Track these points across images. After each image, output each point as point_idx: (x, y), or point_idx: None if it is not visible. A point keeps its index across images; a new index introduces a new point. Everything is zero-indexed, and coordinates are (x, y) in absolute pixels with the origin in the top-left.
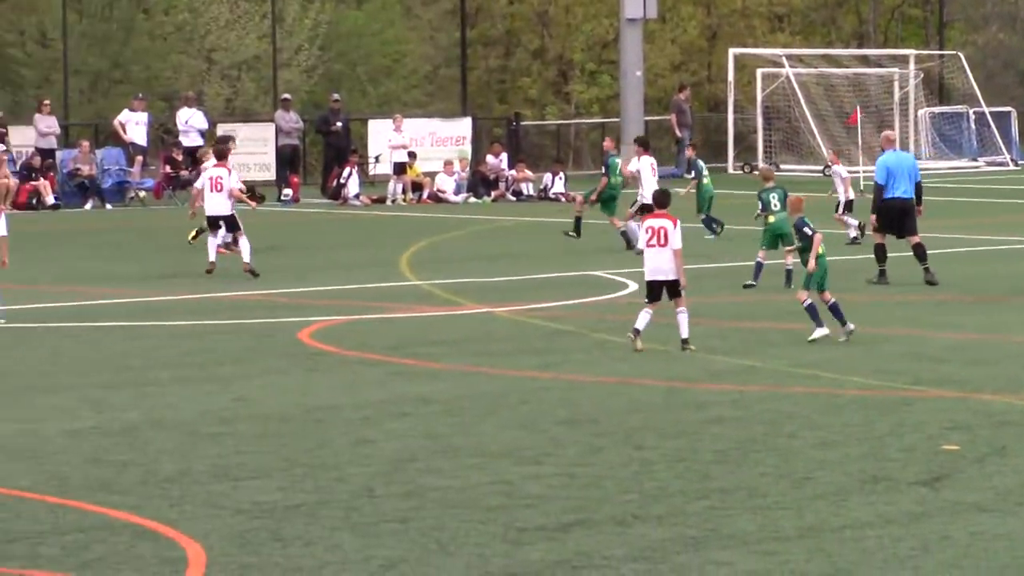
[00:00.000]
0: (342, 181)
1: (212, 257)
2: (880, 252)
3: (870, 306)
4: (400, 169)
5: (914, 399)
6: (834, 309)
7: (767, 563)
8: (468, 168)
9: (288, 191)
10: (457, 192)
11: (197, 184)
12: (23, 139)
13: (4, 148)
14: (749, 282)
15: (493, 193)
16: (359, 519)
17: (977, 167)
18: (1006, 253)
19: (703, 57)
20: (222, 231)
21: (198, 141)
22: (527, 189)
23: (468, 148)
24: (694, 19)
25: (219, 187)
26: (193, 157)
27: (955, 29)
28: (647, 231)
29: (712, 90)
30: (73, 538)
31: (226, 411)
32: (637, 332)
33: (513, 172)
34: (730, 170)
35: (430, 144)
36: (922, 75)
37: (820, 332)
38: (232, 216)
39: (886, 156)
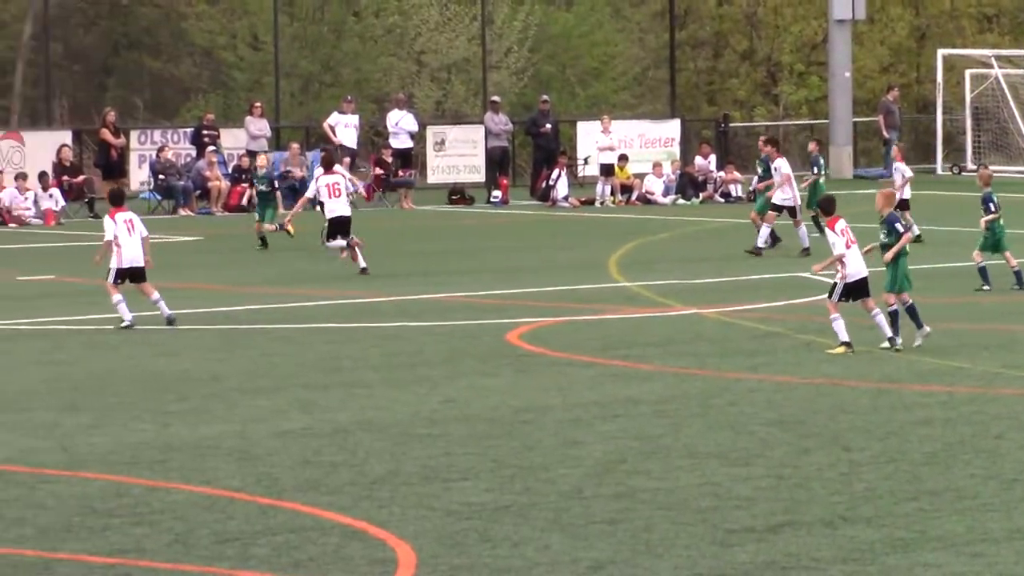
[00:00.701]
0: (551, 183)
1: (362, 263)
2: None
3: None
4: (608, 171)
5: None
6: (911, 311)
7: (975, 565)
8: (678, 170)
9: (497, 193)
10: (666, 194)
11: (308, 194)
12: (234, 142)
13: (215, 150)
14: (983, 287)
15: (701, 195)
16: (568, 520)
17: None
18: None
19: (912, 58)
20: (337, 241)
21: (408, 143)
22: (736, 190)
23: (677, 150)
24: (903, 20)
25: (337, 192)
26: (404, 159)
27: None
28: (841, 233)
29: (921, 91)
30: (284, 539)
31: (435, 412)
32: (849, 344)
33: (722, 173)
34: (939, 171)
35: (639, 146)
36: None
37: (924, 332)
38: (349, 219)
39: None
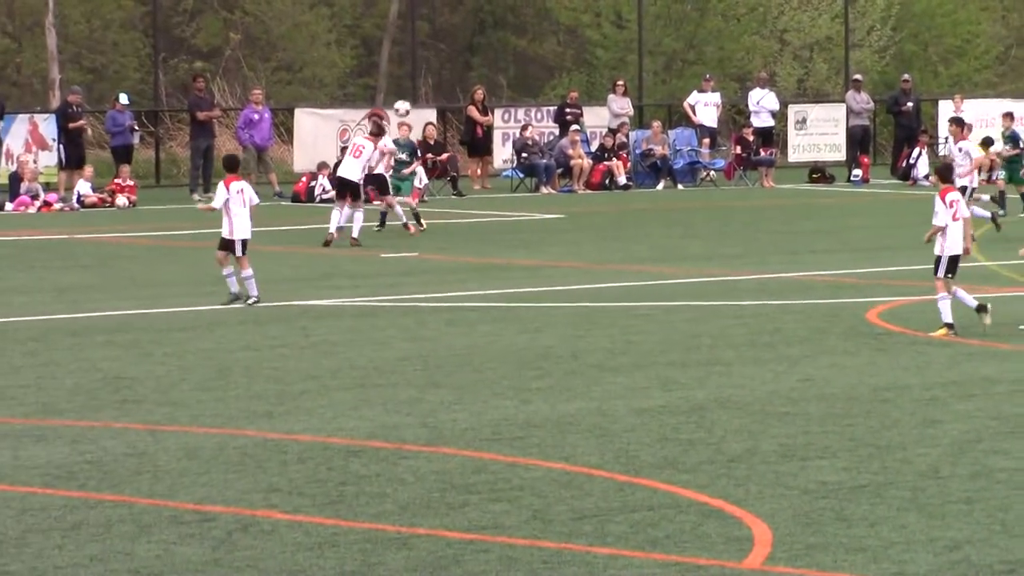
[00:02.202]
0: (911, 162)
1: (332, 228)
2: None
3: None
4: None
5: None
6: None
7: None
8: None
9: (858, 172)
10: None
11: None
12: (597, 120)
13: (578, 128)
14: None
15: None
16: (924, 500)
17: None
18: None
19: None
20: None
21: (769, 122)
22: None
23: None
24: None
25: (358, 154)
26: (765, 137)
27: None
28: (950, 205)
29: None
30: (641, 516)
31: (793, 391)
32: (951, 327)
33: None
34: None
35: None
36: None
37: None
38: (358, 185)
39: None
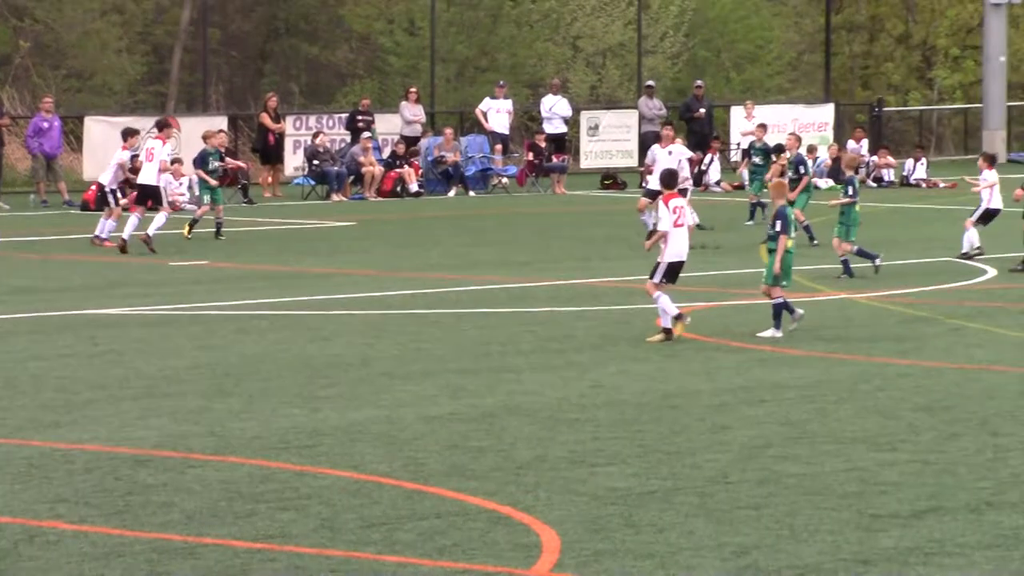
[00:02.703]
0: (703, 168)
1: (126, 234)
2: None
3: None
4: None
5: None
6: (777, 308)
7: None
8: (835, 154)
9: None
10: (820, 177)
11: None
12: (389, 127)
13: (370, 136)
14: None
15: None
16: (713, 505)
17: None
18: None
19: None
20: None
21: (562, 128)
22: (888, 175)
23: (830, 134)
24: None
25: (150, 157)
26: (557, 144)
27: None
28: (674, 211)
29: None
30: (429, 524)
31: (583, 398)
32: (671, 326)
33: (875, 158)
34: None
35: (792, 130)
36: None
37: (773, 333)
38: (158, 189)
39: None
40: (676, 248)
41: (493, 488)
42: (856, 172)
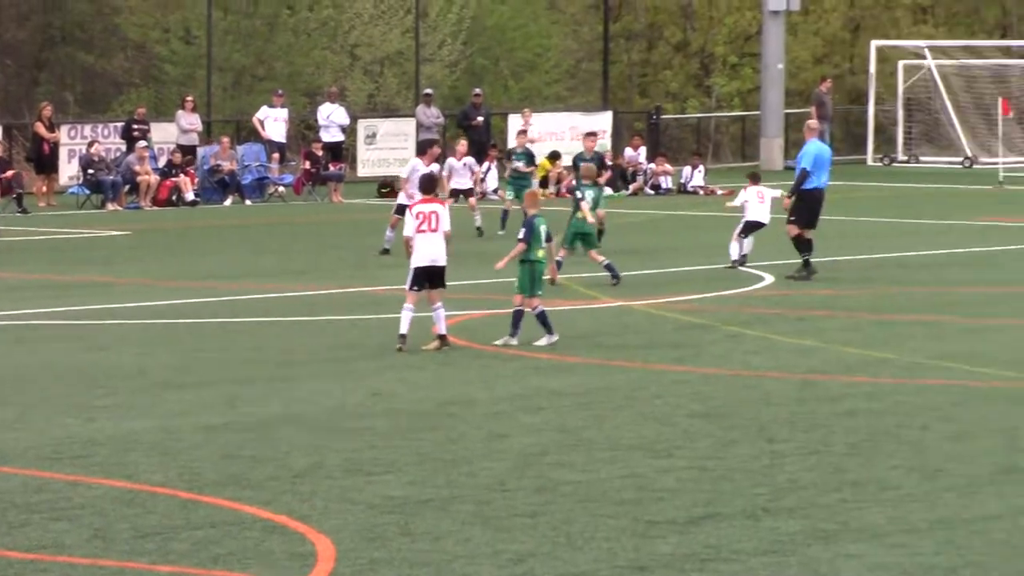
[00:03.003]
0: (482, 176)
1: None
2: (804, 244)
3: (1013, 297)
4: (530, 164)
5: None
6: (541, 316)
7: (897, 556)
8: (609, 161)
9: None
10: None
11: None
12: (165, 136)
13: (146, 144)
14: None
15: (631, 187)
16: (490, 513)
17: None
18: None
19: (845, 49)
20: None
21: (339, 137)
22: (666, 183)
23: (608, 142)
24: (837, 11)
25: None
26: (334, 152)
27: None
28: (417, 216)
29: (854, 82)
30: (204, 533)
31: (360, 406)
32: (403, 338)
33: (652, 166)
34: (869, 162)
35: (570, 138)
36: None
37: (510, 340)
38: None
39: (815, 145)
40: (422, 254)
41: (269, 497)
42: (595, 183)
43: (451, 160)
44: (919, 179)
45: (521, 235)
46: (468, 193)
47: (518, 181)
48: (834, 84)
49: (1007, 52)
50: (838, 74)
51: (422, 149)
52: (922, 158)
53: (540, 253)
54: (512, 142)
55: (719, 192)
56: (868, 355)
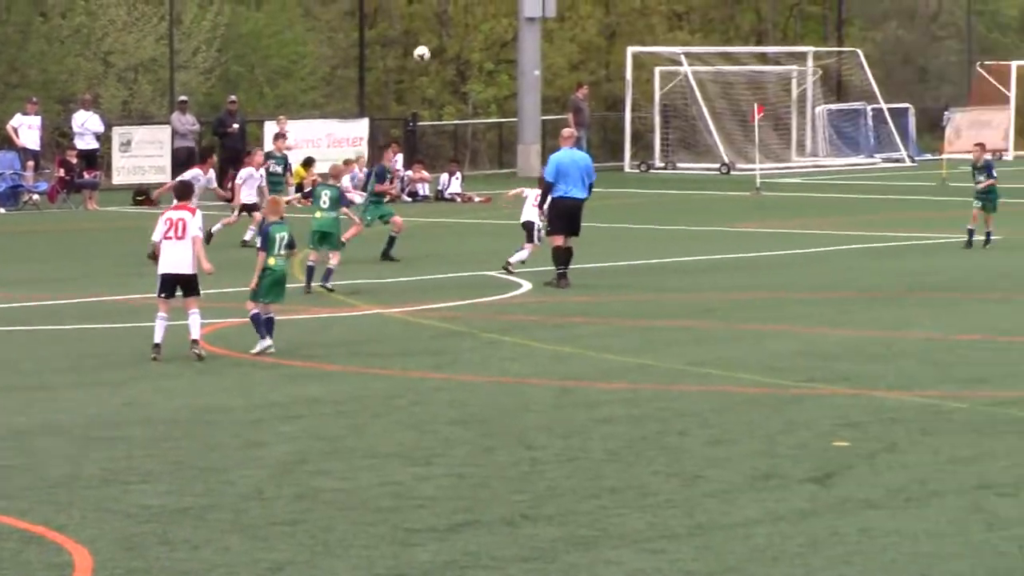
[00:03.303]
0: (238, 183)
1: None
2: (560, 255)
3: (769, 303)
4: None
5: (806, 396)
6: (268, 323)
7: (656, 562)
8: (364, 167)
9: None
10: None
11: None
12: None
13: None
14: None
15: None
16: (248, 522)
17: (874, 164)
18: (903, 250)
19: (601, 56)
20: None
21: (93, 144)
22: (423, 190)
23: (365, 149)
24: (593, 17)
25: None
26: (89, 160)
27: (854, 26)
28: (165, 223)
29: (610, 88)
30: None
31: (117, 415)
32: (157, 347)
33: (409, 173)
34: (627, 169)
35: (327, 145)
36: (820, 72)
37: (263, 344)
38: None
39: (559, 154)
40: (166, 261)
41: (25, 507)
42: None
43: (249, 169)
44: (676, 185)
45: (258, 244)
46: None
47: (275, 186)
48: (591, 90)
49: (762, 58)
50: (595, 80)
51: (188, 153)
52: (679, 164)
53: (272, 261)
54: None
55: (476, 199)
56: (626, 361)
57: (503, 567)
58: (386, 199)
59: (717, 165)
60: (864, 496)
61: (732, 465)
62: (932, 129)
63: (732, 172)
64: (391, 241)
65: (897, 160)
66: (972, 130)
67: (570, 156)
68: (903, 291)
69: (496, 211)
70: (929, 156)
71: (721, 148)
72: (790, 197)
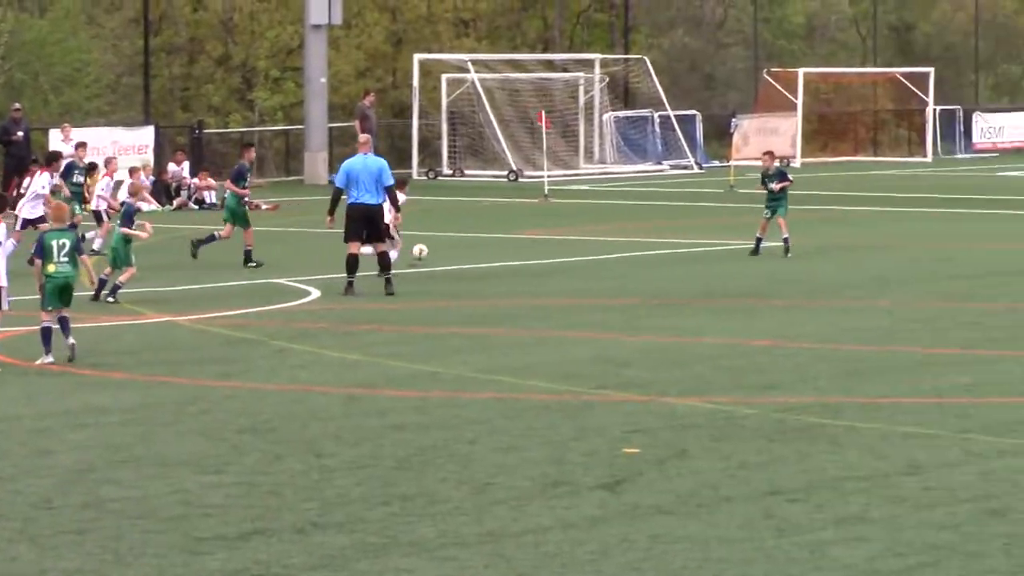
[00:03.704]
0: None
1: None
2: (352, 262)
3: (560, 310)
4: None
5: (597, 403)
6: (62, 322)
7: (447, 569)
8: (151, 175)
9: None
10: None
11: None
12: None
13: None
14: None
15: (175, 201)
16: (36, 531)
17: (662, 170)
18: (691, 256)
19: (388, 63)
20: None
21: None
22: (210, 197)
23: (151, 156)
24: (379, 24)
25: None
26: None
27: (640, 33)
28: None
29: (397, 96)
30: None
31: None
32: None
33: (196, 180)
34: (415, 176)
35: (112, 153)
36: (607, 79)
37: (46, 359)
38: None
39: (351, 160)
40: None
41: None
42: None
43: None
44: (465, 192)
45: (33, 250)
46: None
47: (77, 196)
48: (378, 98)
49: (550, 66)
50: (381, 88)
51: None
52: (467, 172)
53: (51, 268)
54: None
55: (264, 207)
56: (416, 369)
57: (294, 575)
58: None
59: (505, 172)
60: (655, 502)
61: (522, 472)
62: (720, 136)
63: (520, 179)
64: (209, 239)
65: (685, 167)
66: (759, 137)
67: (362, 162)
68: (694, 297)
69: (286, 218)
70: (717, 163)
71: (509, 155)
72: (578, 204)
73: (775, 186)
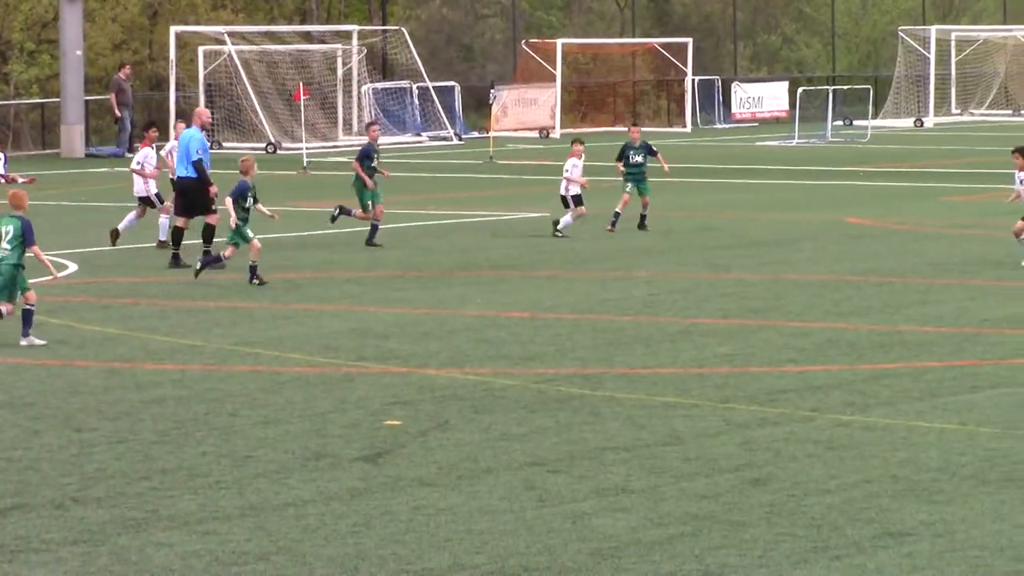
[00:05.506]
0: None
1: None
2: (177, 235)
3: (316, 283)
4: None
5: (357, 375)
6: (25, 314)
7: (208, 543)
8: None
9: None
10: None
11: None
12: None
13: None
14: None
15: None
16: None
17: (421, 142)
18: (450, 227)
19: (145, 35)
20: None
21: None
22: None
23: None
24: None
25: None
26: None
27: (398, 4)
28: None
29: (154, 68)
30: None
31: None
32: None
33: None
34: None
35: None
36: (365, 51)
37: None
38: None
39: (187, 133)
40: None
41: None
42: None
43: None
44: (223, 166)
45: None
46: None
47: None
48: (134, 70)
49: (307, 37)
50: (138, 60)
51: None
52: (225, 144)
53: None
54: None
55: (20, 180)
56: (175, 342)
57: (53, 550)
58: None
59: (264, 144)
60: (416, 474)
61: (283, 445)
62: (479, 107)
63: (279, 151)
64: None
65: (444, 138)
66: (518, 108)
67: (188, 136)
68: (453, 269)
69: (42, 191)
70: (476, 134)
71: (267, 127)
72: (337, 176)
73: (634, 160)
